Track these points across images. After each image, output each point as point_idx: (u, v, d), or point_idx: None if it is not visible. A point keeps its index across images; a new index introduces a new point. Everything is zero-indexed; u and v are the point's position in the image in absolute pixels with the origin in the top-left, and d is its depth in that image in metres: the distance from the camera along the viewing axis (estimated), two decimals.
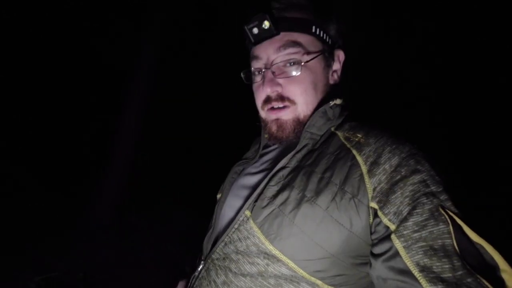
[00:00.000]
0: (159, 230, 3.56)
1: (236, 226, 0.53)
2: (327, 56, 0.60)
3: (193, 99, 5.69)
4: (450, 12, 3.58)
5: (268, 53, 0.57)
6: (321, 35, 0.58)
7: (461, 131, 3.70)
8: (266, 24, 0.54)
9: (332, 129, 0.57)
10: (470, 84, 3.77)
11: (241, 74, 0.63)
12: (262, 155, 0.66)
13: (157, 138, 5.37)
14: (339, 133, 0.55)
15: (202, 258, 0.60)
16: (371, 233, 0.44)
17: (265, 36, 0.56)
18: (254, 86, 0.62)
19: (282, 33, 0.56)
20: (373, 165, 0.46)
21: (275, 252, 0.47)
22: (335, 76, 0.63)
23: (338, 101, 0.58)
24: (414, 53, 3.84)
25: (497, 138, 3.52)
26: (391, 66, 3.76)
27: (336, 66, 0.62)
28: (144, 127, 3.79)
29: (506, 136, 3.39)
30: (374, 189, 0.44)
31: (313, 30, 0.57)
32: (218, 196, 0.71)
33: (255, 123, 0.69)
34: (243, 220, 0.52)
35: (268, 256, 0.48)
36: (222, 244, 0.53)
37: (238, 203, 0.58)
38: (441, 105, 3.92)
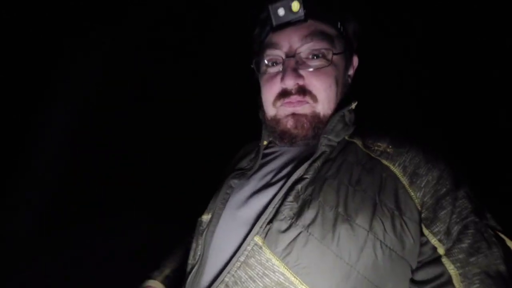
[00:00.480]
0: (99, 246, 2.86)
1: (242, 258, 0.40)
2: (348, 57, 0.55)
3: (166, 100, 5.23)
4: (450, 12, 3.58)
5: (292, 41, 0.50)
6: (344, 33, 0.54)
7: (461, 131, 3.70)
8: (296, 5, 0.48)
9: (346, 137, 0.51)
10: (471, 84, 3.77)
11: (253, 63, 0.55)
12: (262, 165, 0.56)
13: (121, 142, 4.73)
14: (357, 141, 0.50)
15: None
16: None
17: (291, 19, 0.49)
18: (265, 77, 0.54)
19: (309, 21, 0.50)
20: (414, 177, 0.41)
21: None
22: (349, 80, 0.59)
23: (354, 106, 0.53)
24: (414, 53, 3.83)
25: (497, 138, 3.52)
26: (391, 66, 3.75)
27: (351, 70, 0.59)
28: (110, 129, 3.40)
29: (506, 136, 3.39)
30: (421, 204, 0.39)
31: (338, 26, 0.52)
32: (205, 217, 0.54)
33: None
34: (252, 250, 0.39)
35: None
36: (222, 286, 0.40)
37: (241, 227, 0.45)
38: (441, 105, 3.92)
